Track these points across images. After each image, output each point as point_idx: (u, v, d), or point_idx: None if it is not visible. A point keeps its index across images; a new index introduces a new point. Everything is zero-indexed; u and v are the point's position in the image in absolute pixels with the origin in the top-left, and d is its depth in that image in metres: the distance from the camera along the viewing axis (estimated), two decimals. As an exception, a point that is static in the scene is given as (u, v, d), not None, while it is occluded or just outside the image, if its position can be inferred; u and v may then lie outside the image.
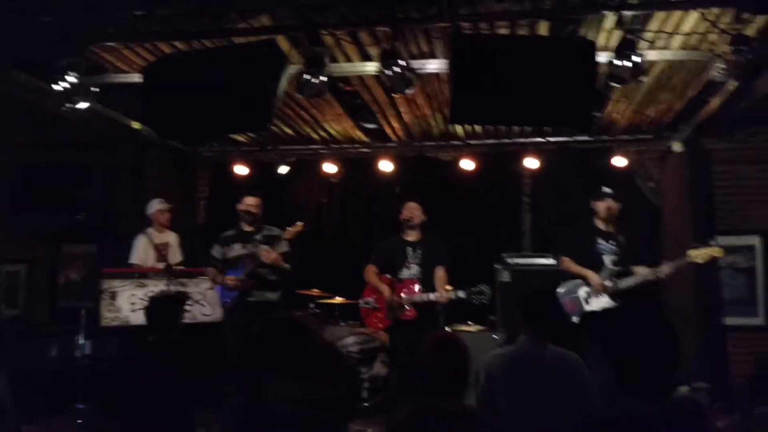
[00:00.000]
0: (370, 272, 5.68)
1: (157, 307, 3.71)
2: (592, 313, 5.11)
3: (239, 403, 1.80)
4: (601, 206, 5.35)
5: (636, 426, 1.77)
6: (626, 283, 5.12)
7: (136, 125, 6.12)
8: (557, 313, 3.43)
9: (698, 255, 5.03)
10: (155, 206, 6.34)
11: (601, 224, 5.38)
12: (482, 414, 2.56)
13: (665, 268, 5.10)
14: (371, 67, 4.67)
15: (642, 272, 5.14)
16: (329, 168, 7.18)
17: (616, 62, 3.78)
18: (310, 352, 1.75)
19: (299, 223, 5.62)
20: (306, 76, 4.03)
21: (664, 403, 1.87)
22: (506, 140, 7.02)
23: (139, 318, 5.66)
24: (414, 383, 4.55)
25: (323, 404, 1.66)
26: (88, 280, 7.21)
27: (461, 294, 5.37)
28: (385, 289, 5.45)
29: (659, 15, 4.00)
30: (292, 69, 4.19)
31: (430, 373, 2.59)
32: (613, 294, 5.18)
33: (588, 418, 1.89)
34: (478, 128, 6.74)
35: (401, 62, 3.98)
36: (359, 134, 6.92)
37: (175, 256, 6.36)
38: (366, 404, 5.99)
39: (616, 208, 5.34)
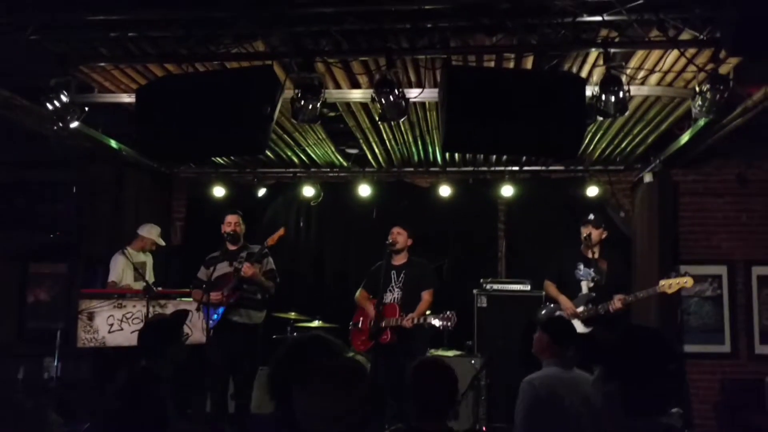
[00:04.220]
0: (361, 295, 5.78)
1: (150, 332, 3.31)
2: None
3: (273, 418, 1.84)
4: (583, 232, 5.53)
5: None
6: (600, 309, 5.28)
7: (114, 144, 6.07)
8: (577, 337, 3.57)
9: (669, 285, 5.21)
10: (153, 234, 6.32)
11: (585, 250, 5.55)
12: None
13: (638, 295, 5.28)
14: (363, 94, 4.76)
15: (616, 298, 5.30)
16: (308, 191, 7.21)
17: (602, 96, 3.95)
18: (337, 367, 1.80)
19: (281, 229, 5.68)
20: (301, 102, 4.09)
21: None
22: (483, 168, 7.16)
23: (116, 339, 5.58)
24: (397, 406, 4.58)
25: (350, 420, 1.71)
26: (58, 301, 7.08)
27: (429, 319, 5.36)
28: (370, 309, 5.52)
29: (640, 52, 4.20)
30: (285, 94, 4.26)
31: (415, 396, 2.70)
32: (585, 320, 5.34)
33: None
34: (457, 156, 6.86)
35: (396, 91, 4.07)
36: (339, 158, 6.98)
37: (150, 277, 6.32)
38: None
39: (596, 234, 5.50)
